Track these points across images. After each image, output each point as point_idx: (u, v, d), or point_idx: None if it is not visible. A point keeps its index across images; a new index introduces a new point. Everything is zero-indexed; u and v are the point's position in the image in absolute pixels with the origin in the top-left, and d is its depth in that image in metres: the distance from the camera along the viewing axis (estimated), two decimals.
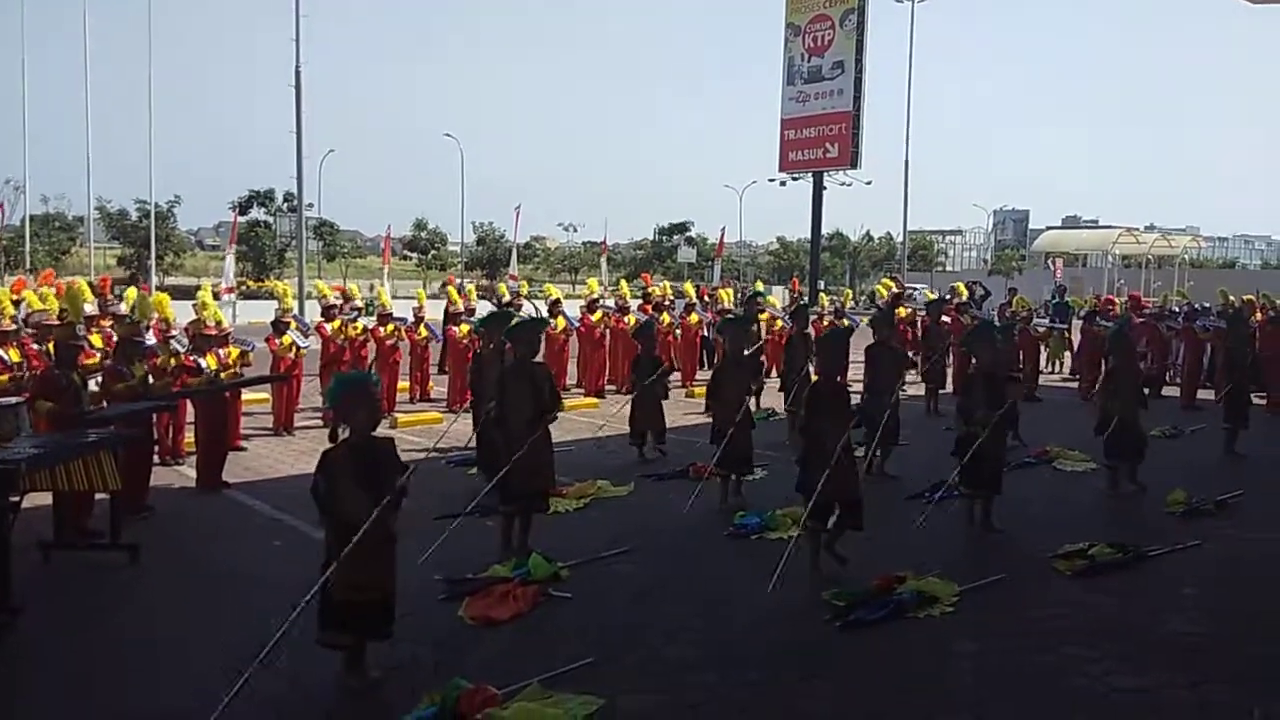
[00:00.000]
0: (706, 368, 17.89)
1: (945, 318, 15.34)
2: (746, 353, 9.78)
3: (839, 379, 6.69)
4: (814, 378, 7.98)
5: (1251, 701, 4.61)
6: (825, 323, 16.97)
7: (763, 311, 15.95)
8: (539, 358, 7.33)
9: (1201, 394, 14.94)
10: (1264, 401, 13.77)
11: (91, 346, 9.24)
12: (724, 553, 7.10)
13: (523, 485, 6.74)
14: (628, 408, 10.59)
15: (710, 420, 8.77)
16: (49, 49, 65.82)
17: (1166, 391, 15.75)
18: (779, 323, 17.21)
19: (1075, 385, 16.67)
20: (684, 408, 13.63)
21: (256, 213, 49.49)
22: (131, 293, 12.02)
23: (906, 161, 42.38)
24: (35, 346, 9.19)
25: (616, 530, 7.42)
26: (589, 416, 13.01)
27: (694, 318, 17.14)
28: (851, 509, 6.50)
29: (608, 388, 15.44)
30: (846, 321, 15.26)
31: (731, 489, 8.39)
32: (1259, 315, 15.89)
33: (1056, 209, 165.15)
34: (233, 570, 6.58)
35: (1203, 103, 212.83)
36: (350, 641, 4.60)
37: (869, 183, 33.34)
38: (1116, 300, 21.19)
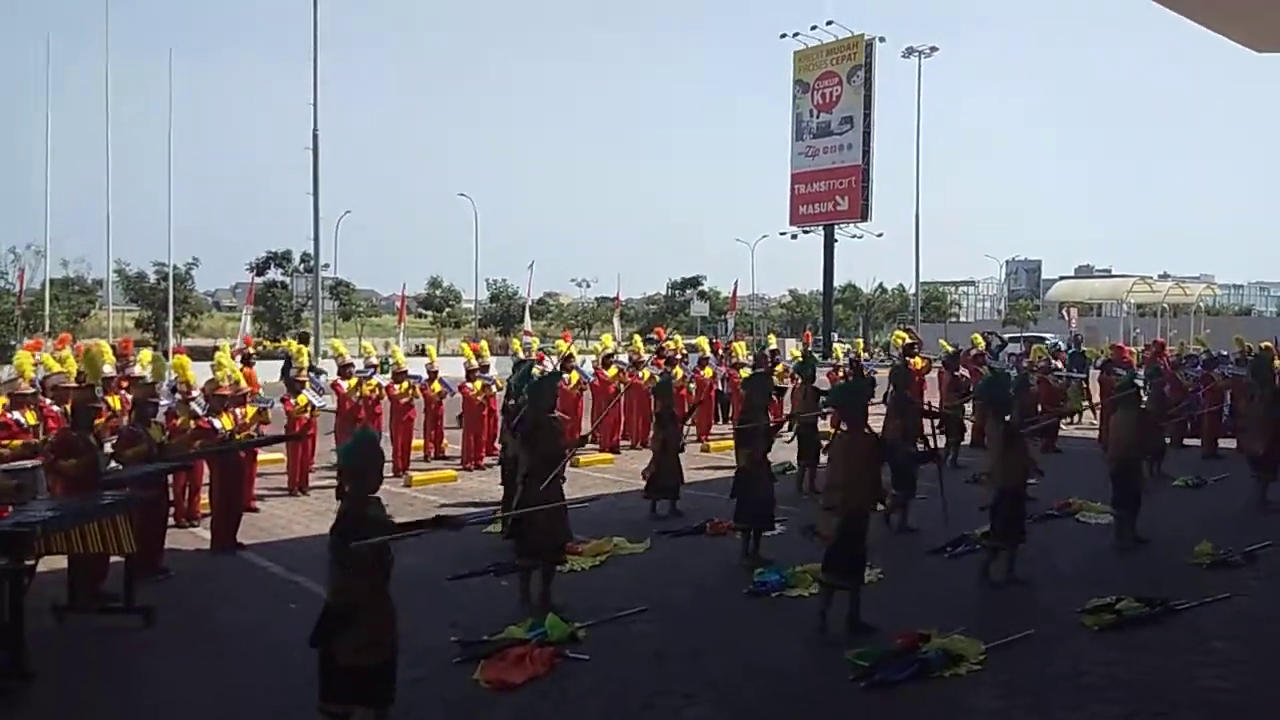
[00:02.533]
0: (721, 421, 17.85)
1: (963, 369, 15.26)
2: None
3: (866, 429, 6.62)
4: (830, 430, 7.97)
5: None
6: (840, 374, 16.94)
7: (778, 364, 15.93)
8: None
9: (1223, 443, 14.75)
10: None
11: (109, 408, 9.28)
12: (744, 611, 6.99)
13: (541, 539, 6.70)
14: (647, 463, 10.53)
15: (735, 473, 8.70)
16: (72, 113, 67.26)
17: (1187, 441, 15.56)
18: (797, 377, 17.16)
19: (1095, 435, 16.50)
20: (699, 462, 13.54)
21: (273, 273, 50.03)
22: (146, 354, 12.10)
23: (917, 213, 42.57)
24: (54, 409, 9.24)
25: (634, 589, 7.33)
26: (603, 472, 12.95)
27: (708, 371, 17.12)
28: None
29: (623, 443, 15.39)
30: (866, 373, 15.22)
31: (750, 545, 8.29)
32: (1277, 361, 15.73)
33: (1069, 258, 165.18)
34: (247, 633, 6.52)
35: (1217, 151, 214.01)
36: (356, 711, 4.48)
37: (880, 235, 33.65)
38: (1131, 349, 21.07)
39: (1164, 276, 64.96)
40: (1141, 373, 13.26)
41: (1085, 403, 19.13)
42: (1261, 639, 6.37)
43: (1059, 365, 17.21)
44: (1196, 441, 15.28)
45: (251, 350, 15.29)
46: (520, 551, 6.81)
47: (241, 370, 10.71)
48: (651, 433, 10.85)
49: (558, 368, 14.88)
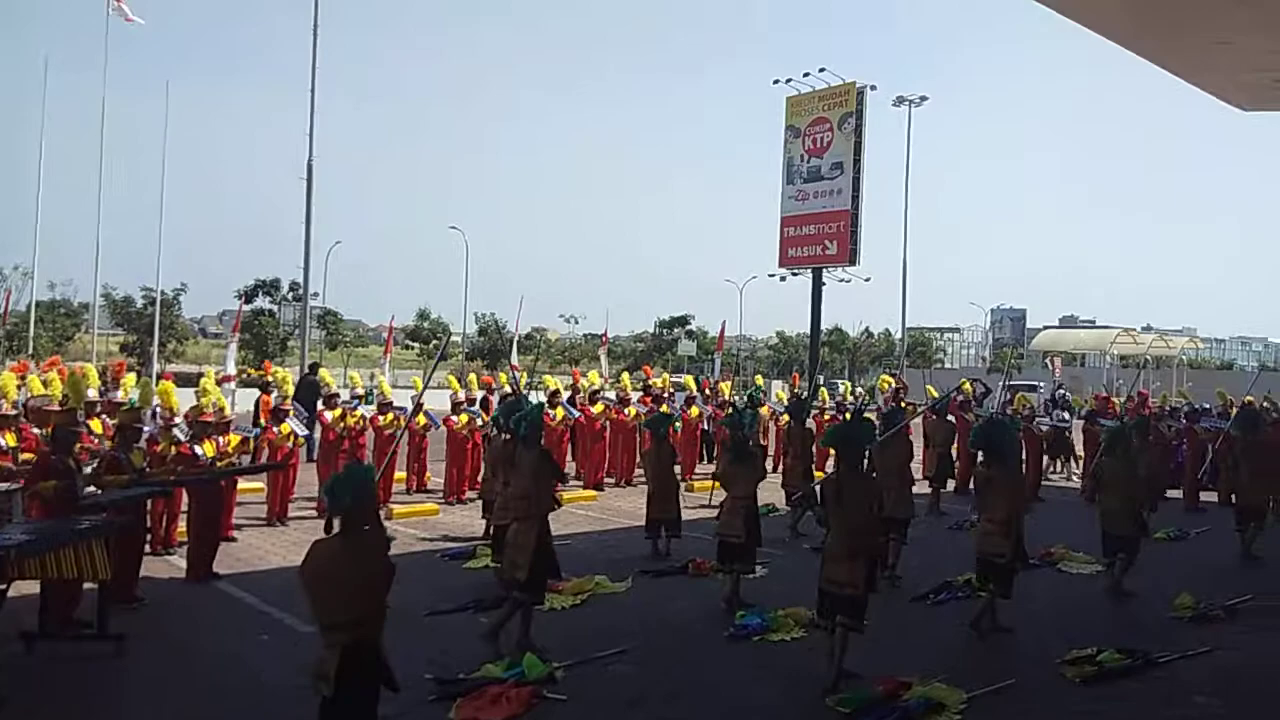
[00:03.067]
0: (707, 461, 17.81)
1: (949, 415, 15.30)
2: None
3: (861, 468, 6.60)
4: (817, 474, 7.97)
5: None
6: (826, 417, 16.97)
7: (763, 405, 15.94)
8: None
9: (1204, 495, 14.81)
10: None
11: (91, 433, 9.20)
12: (725, 655, 6.93)
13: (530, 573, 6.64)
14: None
15: (716, 516, 8.66)
16: (66, 136, 67.37)
17: (1169, 493, 15.60)
18: (785, 417, 17.22)
19: (1078, 485, 16.54)
20: (683, 501, 13.48)
21: (261, 301, 50.00)
22: (130, 379, 12.03)
23: (905, 260, 43.02)
24: (35, 431, 9.15)
25: (614, 629, 7.26)
26: (586, 509, 12.88)
27: (694, 410, 17.12)
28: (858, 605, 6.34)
29: (606, 480, 15.33)
30: (847, 416, 15.24)
31: (731, 586, 8.21)
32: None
33: (1053, 308, 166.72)
34: (219, 664, 6.43)
35: (1199, 205, 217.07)
36: None
37: (868, 279, 33.71)
38: (1115, 400, 21.20)
39: (1147, 328, 65.66)
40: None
41: (1068, 452, 19.24)
42: (1242, 694, 6.35)
43: (1065, 415, 17.29)
44: (1178, 493, 15.33)
45: (270, 377, 15.26)
46: (502, 587, 6.74)
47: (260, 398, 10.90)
48: (646, 468, 10.80)
49: (544, 402, 14.88)
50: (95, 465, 7.87)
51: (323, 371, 16.63)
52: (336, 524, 4.40)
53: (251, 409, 14.98)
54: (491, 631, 6.64)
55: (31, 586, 6.48)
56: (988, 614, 7.42)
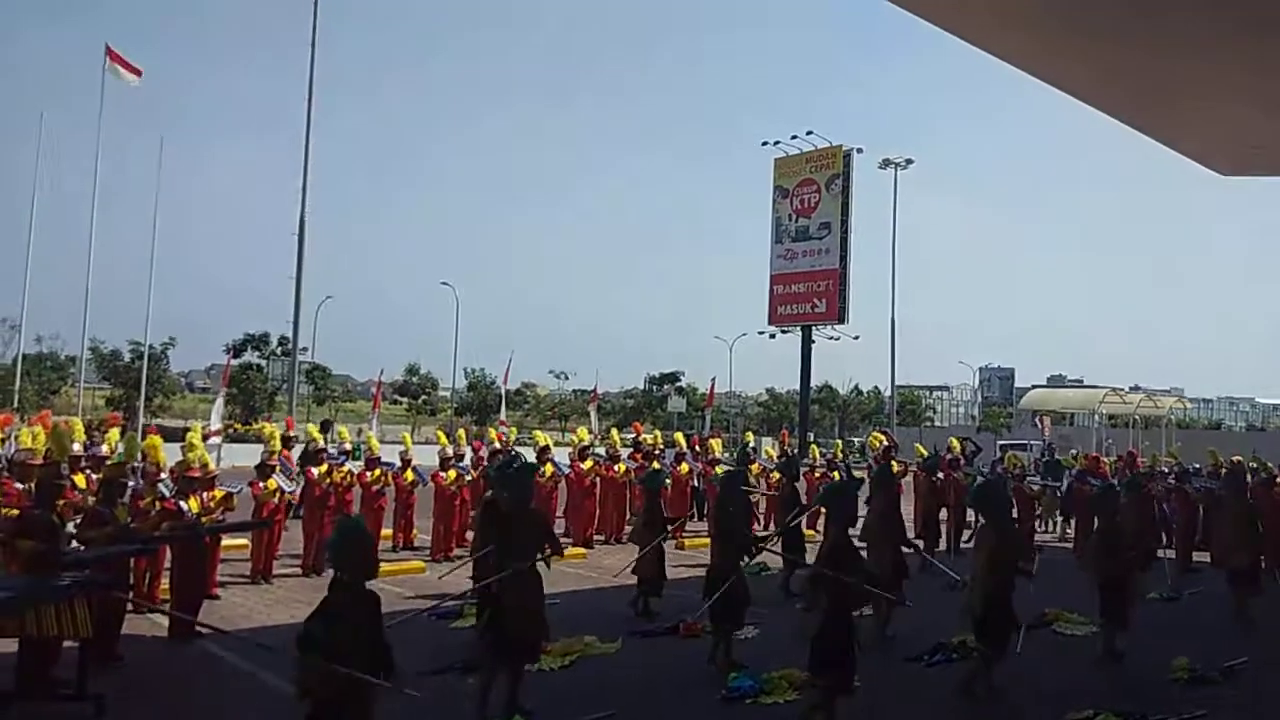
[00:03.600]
0: (697, 518, 17.69)
1: (940, 474, 15.29)
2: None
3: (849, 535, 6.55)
4: (806, 531, 7.88)
5: None
6: (817, 474, 16.92)
7: (753, 463, 15.88)
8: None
9: (1197, 556, 14.75)
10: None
11: (74, 487, 9.10)
12: (717, 717, 6.81)
13: (515, 636, 6.53)
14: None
15: (705, 574, 8.57)
16: (58, 193, 67.57)
17: (1161, 554, 15.54)
18: (775, 474, 17.16)
19: (1070, 545, 16.46)
20: (673, 560, 13.34)
21: (250, 356, 49.92)
22: (114, 434, 11.95)
23: (893, 318, 43.35)
24: (18, 485, 9.04)
25: (603, 690, 7.14)
26: (576, 567, 12.73)
27: (684, 467, 17.05)
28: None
29: (596, 537, 15.20)
30: (838, 474, 15.23)
31: (723, 647, 8.08)
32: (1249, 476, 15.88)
33: (1041, 368, 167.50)
34: None
35: (1186, 266, 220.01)
36: None
37: (856, 338, 33.99)
38: (1105, 460, 21.22)
39: (1135, 388, 65.85)
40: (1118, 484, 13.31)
41: (1059, 511, 19.21)
42: None
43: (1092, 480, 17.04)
44: (1171, 554, 15.27)
45: (293, 434, 15.23)
46: (490, 647, 6.62)
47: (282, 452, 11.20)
48: (634, 527, 10.72)
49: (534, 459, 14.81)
50: (78, 520, 7.76)
51: (310, 427, 16.46)
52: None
53: (238, 463, 14.86)
54: (481, 694, 6.51)
55: (8, 645, 6.34)
56: (982, 677, 7.32)
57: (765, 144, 34.78)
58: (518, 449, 15.34)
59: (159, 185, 34.02)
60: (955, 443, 17.19)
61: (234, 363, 43.05)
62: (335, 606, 4.35)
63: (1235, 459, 17.03)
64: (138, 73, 30.07)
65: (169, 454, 10.42)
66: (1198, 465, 17.54)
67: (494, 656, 6.59)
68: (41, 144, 31.79)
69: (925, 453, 16.53)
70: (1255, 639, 9.61)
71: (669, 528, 10.69)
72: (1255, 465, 16.59)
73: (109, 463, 9.03)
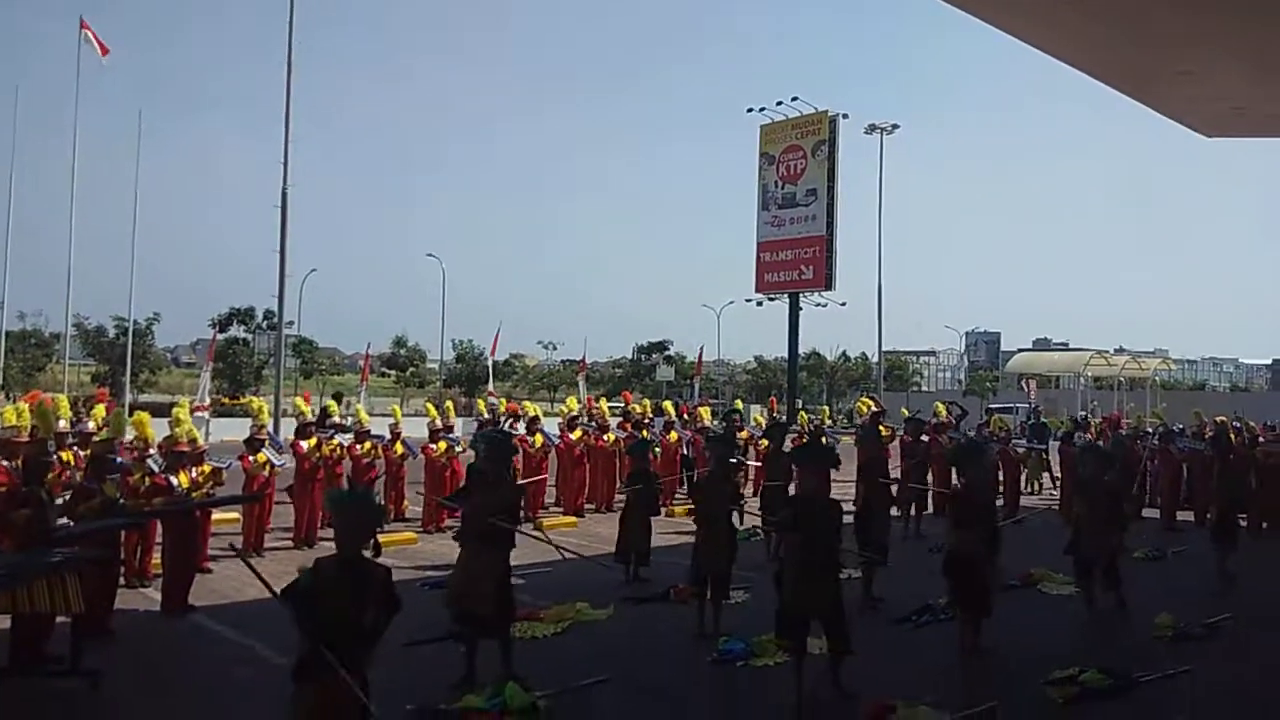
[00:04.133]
0: (685, 486, 17.77)
1: (924, 436, 15.37)
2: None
3: (825, 492, 6.63)
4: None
5: None
6: (803, 439, 17.00)
7: (742, 429, 15.95)
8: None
9: (1181, 514, 14.94)
10: (1245, 523, 13.76)
11: (62, 463, 9.07)
12: (707, 681, 6.89)
13: (463, 605, 6.57)
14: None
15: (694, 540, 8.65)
16: (36, 165, 66.77)
17: (1146, 513, 15.73)
18: (764, 442, 17.21)
19: (1056, 507, 16.62)
20: (663, 527, 13.43)
21: (235, 330, 49.63)
22: (100, 410, 11.89)
23: (880, 285, 43.38)
24: (4, 463, 9.00)
25: (596, 657, 7.20)
26: (566, 536, 12.79)
27: (673, 436, 17.10)
28: (832, 628, 6.34)
29: (587, 506, 15.27)
30: (825, 439, 15.31)
31: (710, 614, 8.14)
32: (1232, 436, 16.04)
33: (1027, 331, 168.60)
34: (196, 698, 6.32)
35: (1170, 228, 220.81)
36: None
37: (844, 304, 34.05)
38: (1091, 422, 21.37)
39: (1120, 351, 66.30)
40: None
41: (1045, 473, 19.37)
42: (1222, 713, 6.38)
43: (1088, 435, 17.13)
44: (1155, 513, 15.46)
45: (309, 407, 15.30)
46: (454, 619, 6.67)
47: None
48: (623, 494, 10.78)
49: (523, 428, 14.83)
50: (67, 497, 7.75)
51: (298, 400, 16.40)
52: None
53: (226, 437, 14.85)
54: (466, 661, 6.55)
55: (1, 621, 6.36)
56: (970, 633, 7.42)
57: (751, 110, 34.59)
58: (512, 418, 15.37)
59: (139, 158, 33.65)
60: (941, 407, 17.27)
61: (220, 337, 42.76)
62: (326, 569, 4.34)
63: (1219, 419, 17.19)
64: (105, 51, 29.64)
65: (156, 429, 10.39)
66: (1181, 426, 17.70)
67: (459, 627, 6.62)
68: (17, 118, 31.37)
69: (907, 414, 16.64)
70: (1238, 595, 9.76)
71: (659, 499, 10.76)
72: (1239, 425, 16.75)
73: (96, 439, 8.99)
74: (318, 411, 14.40)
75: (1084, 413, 24.52)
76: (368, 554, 4.50)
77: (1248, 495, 13.19)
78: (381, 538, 12.76)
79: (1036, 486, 19.58)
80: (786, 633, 6.33)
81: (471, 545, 6.66)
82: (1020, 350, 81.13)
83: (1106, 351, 59.19)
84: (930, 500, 14.61)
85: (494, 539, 6.63)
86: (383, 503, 13.66)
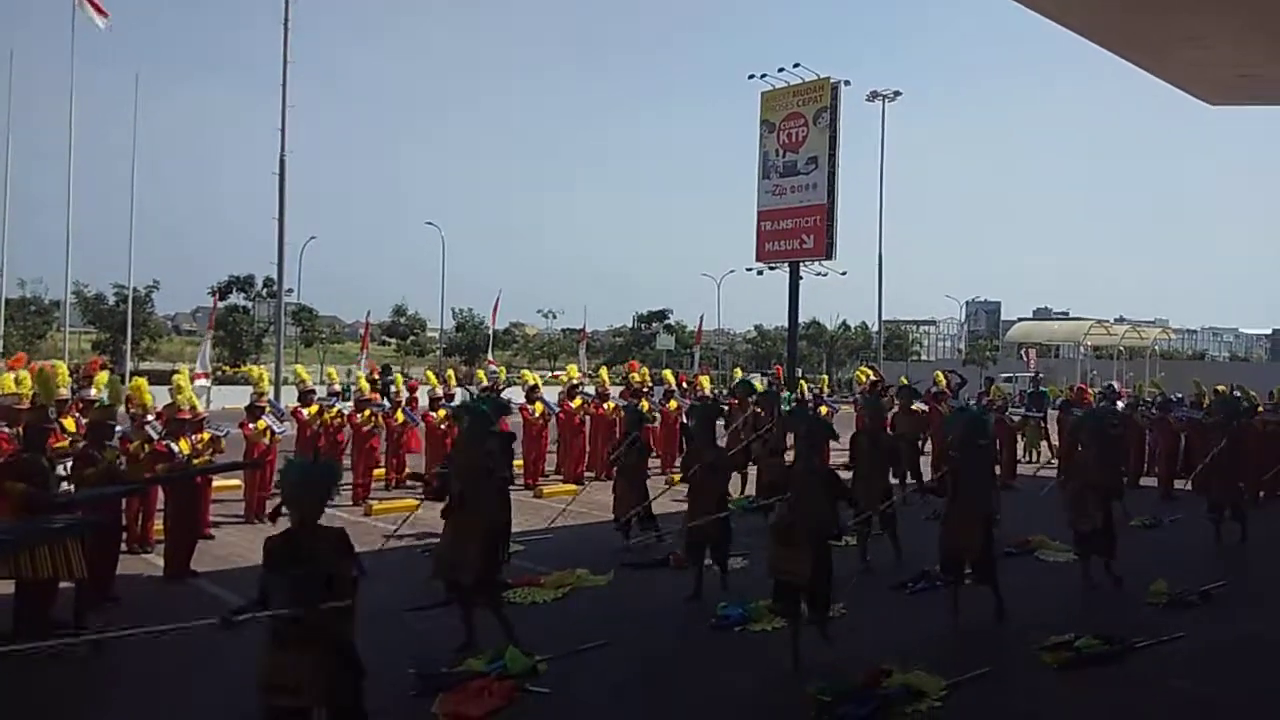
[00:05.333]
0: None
1: (922, 405, 15.39)
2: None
3: (820, 461, 6.66)
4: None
5: None
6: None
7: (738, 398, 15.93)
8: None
9: (1178, 483, 14.98)
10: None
11: (63, 430, 9.09)
12: (706, 646, 6.95)
13: (447, 574, 6.62)
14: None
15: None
16: (34, 132, 66.26)
17: (1144, 482, 15.79)
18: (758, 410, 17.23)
19: (1054, 475, 16.68)
20: (667, 494, 13.48)
21: (235, 298, 49.54)
22: (103, 376, 11.89)
23: (880, 254, 43.22)
24: (5, 430, 9.03)
25: (596, 622, 7.27)
26: (566, 503, 12.84)
27: (673, 404, 17.13)
28: (812, 596, 6.40)
29: (587, 474, 15.33)
30: (825, 409, 15.33)
31: (708, 577, 8.22)
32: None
33: (1027, 301, 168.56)
34: (198, 664, 6.37)
35: (1171, 199, 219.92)
36: None
37: (844, 273, 33.78)
38: (1089, 389, 21.38)
39: (1120, 320, 66.23)
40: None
41: (1043, 441, 19.42)
42: (1216, 678, 6.44)
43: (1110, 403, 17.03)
44: (1153, 482, 15.51)
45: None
46: (446, 589, 6.73)
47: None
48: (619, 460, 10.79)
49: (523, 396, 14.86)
50: (69, 464, 7.78)
51: (298, 367, 16.42)
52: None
53: (228, 405, 14.87)
54: (465, 627, 6.62)
55: (5, 586, 6.40)
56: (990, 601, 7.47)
57: (752, 77, 34.20)
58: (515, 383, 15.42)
59: (136, 122, 33.34)
60: (940, 376, 17.29)
61: (220, 305, 42.71)
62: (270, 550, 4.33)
63: (1218, 388, 17.20)
64: (105, 15, 29.26)
65: (156, 397, 10.40)
66: (1180, 395, 17.71)
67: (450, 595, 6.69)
68: (13, 85, 31.10)
69: (905, 382, 16.65)
70: (1233, 562, 9.83)
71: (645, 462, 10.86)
72: (1239, 395, 16.76)
73: (95, 406, 9.00)
74: (378, 382, 14.53)
75: (1109, 383, 24.47)
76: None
77: (1248, 465, 13.21)
78: (382, 505, 12.89)
79: (1035, 455, 19.64)
80: (779, 598, 6.40)
81: (454, 516, 6.69)
82: (1020, 319, 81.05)
83: (1107, 321, 59.10)
84: (929, 469, 14.62)
85: (476, 505, 6.66)
86: (384, 469, 13.75)
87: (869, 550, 9.30)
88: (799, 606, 6.36)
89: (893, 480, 9.70)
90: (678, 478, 14.99)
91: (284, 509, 4.48)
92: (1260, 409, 15.82)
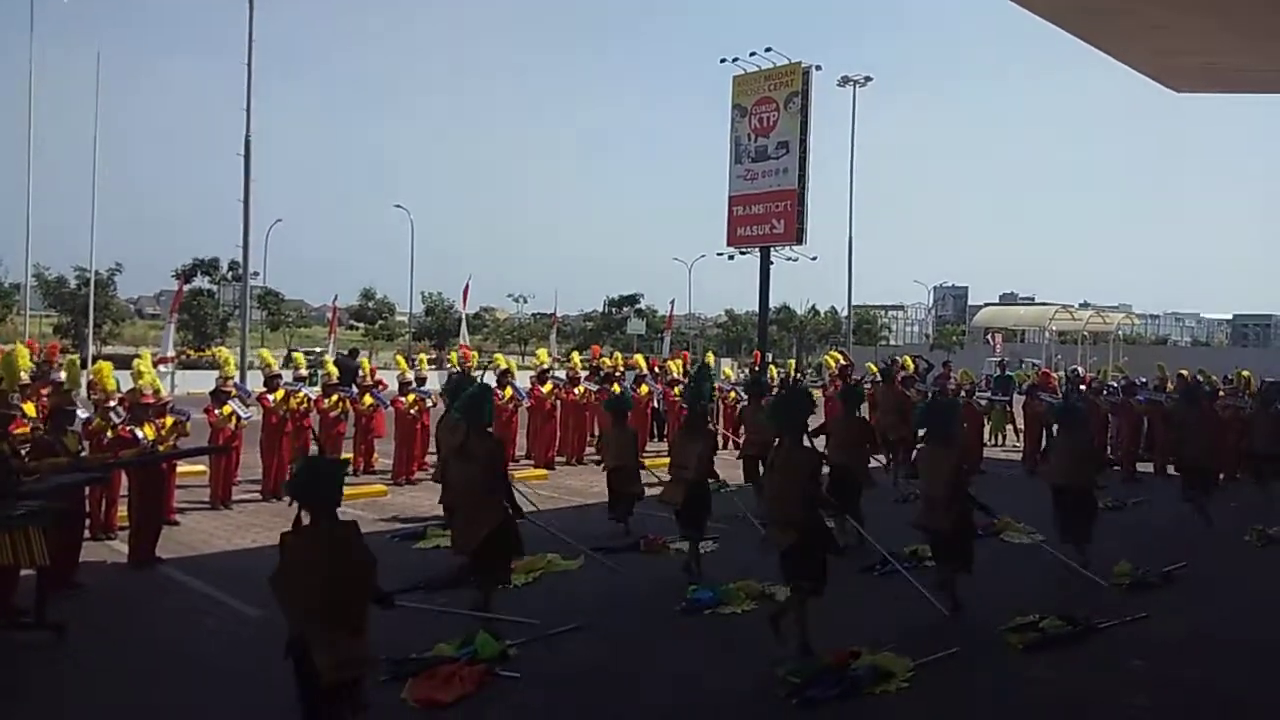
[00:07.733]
0: (657, 439, 17.86)
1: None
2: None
3: (803, 441, 6.68)
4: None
5: None
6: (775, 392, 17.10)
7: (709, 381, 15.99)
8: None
9: (1141, 466, 15.23)
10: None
11: (24, 415, 8.91)
12: (676, 629, 6.97)
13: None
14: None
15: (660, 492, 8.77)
16: None
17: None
18: (732, 394, 17.37)
19: (1019, 458, 16.89)
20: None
21: (200, 281, 48.88)
22: (70, 360, 11.70)
23: (850, 239, 43.39)
24: None
25: (566, 606, 7.27)
26: (537, 487, 12.82)
27: (644, 389, 17.13)
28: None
29: (557, 459, 15.30)
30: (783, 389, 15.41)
31: (691, 556, 8.37)
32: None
33: (994, 286, 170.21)
34: (164, 651, 6.31)
35: (1133, 186, 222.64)
36: None
37: (814, 258, 33.92)
38: (1054, 375, 21.64)
39: (1084, 305, 66.99)
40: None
41: (1008, 425, 19.67)
42: (1178, 658, 6.56)
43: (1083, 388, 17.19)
44: (1116, 466, 15.74)
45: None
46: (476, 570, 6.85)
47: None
48: (603, 448, 10.79)
49: (494, 383, 14.76)
50: (28, 449, 7.64)
51: (263, 351, 16.18)
52: (305, 517, 4.37)
53: (193, 390, 14.66)
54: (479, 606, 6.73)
55: None
56: (949, 585, 7.53)
57: (724, 61, 34.14)
58: (487, 367, 15.31)
59: (98, 101, 32.64)
60: (909, 360, 17.42)
61: (184, 288, 42.13)
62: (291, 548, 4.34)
63: (1182, 372, 17.47)
64: None
65: (120, 381, 10.24)
66: (1144, 379, 17.96)
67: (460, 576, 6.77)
68: None
69: (876, 370, 16.78)
70: (1194, 544, 9.99)
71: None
72: (1200, 379, 17.03)
73: (52, 391, 8.83)
74: (412, 375, 14.29)
75: (1075, 367, 24.79)
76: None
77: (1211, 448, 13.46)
78: (351, 490, 12.82)
79: (1000, 439, 19.87)
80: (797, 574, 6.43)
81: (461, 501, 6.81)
82: (987, 304, 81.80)
83: (1071, 306, 59.74)
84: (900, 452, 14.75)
85: (481, 496, 6.82)
86: (351, 456, 13.63)
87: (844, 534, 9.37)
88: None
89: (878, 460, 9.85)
90: (650, 463, 15.04)
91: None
92: (1221, 393, 16.09)
